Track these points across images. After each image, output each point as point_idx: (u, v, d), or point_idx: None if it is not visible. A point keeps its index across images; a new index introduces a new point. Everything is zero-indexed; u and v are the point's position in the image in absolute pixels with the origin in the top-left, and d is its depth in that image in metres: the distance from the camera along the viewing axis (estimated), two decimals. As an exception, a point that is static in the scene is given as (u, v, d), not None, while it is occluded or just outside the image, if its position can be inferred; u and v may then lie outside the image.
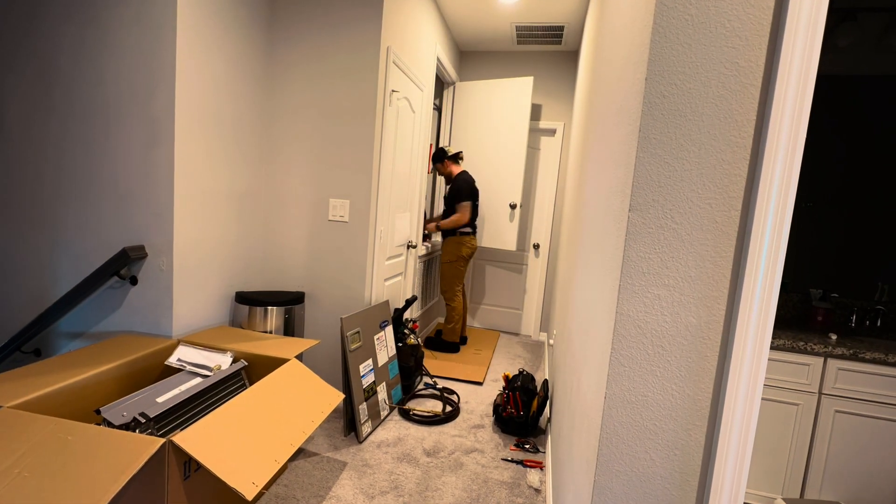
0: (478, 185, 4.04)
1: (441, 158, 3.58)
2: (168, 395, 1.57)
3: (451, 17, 3.51)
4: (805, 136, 0.75)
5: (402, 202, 3.01)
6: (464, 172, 3.56)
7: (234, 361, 1.88)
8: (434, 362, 3.38)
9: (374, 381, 2.39)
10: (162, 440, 1.19)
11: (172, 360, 1.81)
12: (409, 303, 2.96)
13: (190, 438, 1.25)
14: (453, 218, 3.46)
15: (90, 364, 1.64)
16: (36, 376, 1.52)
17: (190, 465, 1.35)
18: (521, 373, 2.61)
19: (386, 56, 2.44)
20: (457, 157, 3.60)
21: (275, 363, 1.87)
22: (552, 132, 4.10)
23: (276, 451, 1.39)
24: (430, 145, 4.00)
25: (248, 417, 1.46)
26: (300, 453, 2.10)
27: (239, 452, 1.31)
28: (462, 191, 3.45)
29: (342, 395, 1.81)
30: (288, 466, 1.99)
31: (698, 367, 0.84)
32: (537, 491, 1.96)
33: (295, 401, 1.66)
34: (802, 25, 0.73)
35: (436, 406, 2.69)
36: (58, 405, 1.48)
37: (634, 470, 0.89)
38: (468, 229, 3.53)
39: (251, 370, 1.92)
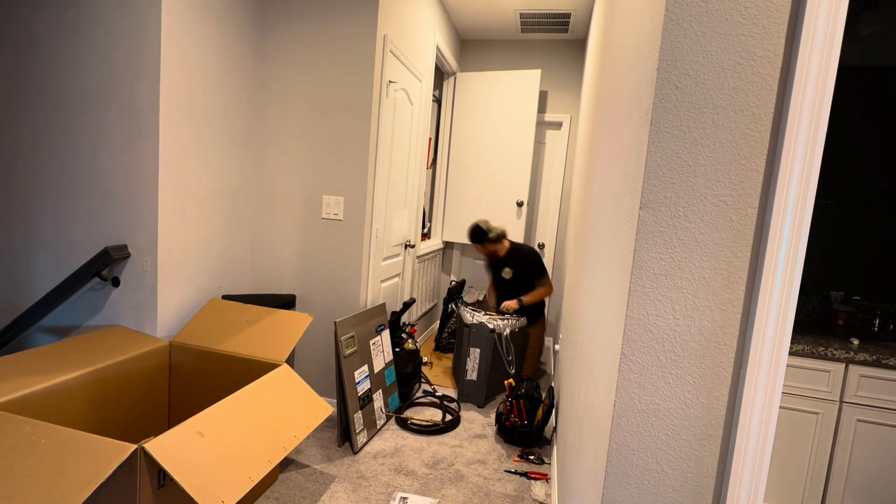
0: (481, 180, 4.05)
1: (481, 239, 3.22)
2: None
3: (451, 4, 3.51)
4: (826, 129, 0.75)
5: (400, 199, 3.01)
6: (521, 245, 3.34)
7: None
8: (433, 369, 3.38)
9: (369, 389, 2.39)
10: (133, 446, 1.19)
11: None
12: (406, 305, 2.96)
13: (163, 446, 1.26)
14: (540, 291, 3.20)
15: (79, 363, 1.66)
16: (22, 376, 1.53)
17: (164, 474, 1.35)
18: (525, 380, 2.61)
19: (383, 45, 2.44)
20: (501, 237, 3.24)
21: (265, 367, 1.88)
22: (558, 125, 4.10)
23: (252, 467, 1.39)
24: (430, 139, 4.00)
25: (229, 426, 1.46)
26: (291, 464, 2.10)
27: (213, 465, 1.32)
28: (540, 264, 3.26)
29: (331, 409, 1.82)
30: (278, 478, 1.99)
31: (712, 374, 0.84)
32: (542, 505, 1.96)
33: (280, 412, 1.66)
34: (823, 12, 0.73)
35: (435, 415, 2.69)
36: (40, 406, 1.50)
37: (645, 482, 0.89)
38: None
39: (238, 374, 1.93)
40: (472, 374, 2.88)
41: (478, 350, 2.88)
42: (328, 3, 2.41)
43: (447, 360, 3.58)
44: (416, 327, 3.11)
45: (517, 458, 2.31)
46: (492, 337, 2.87)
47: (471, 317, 2.98)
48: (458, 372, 3.06)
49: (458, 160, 4.12)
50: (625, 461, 0.90)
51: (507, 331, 2.94)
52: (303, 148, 2.51)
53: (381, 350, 2.57)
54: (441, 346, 3.79)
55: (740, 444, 0.82)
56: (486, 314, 3.04)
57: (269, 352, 1.94)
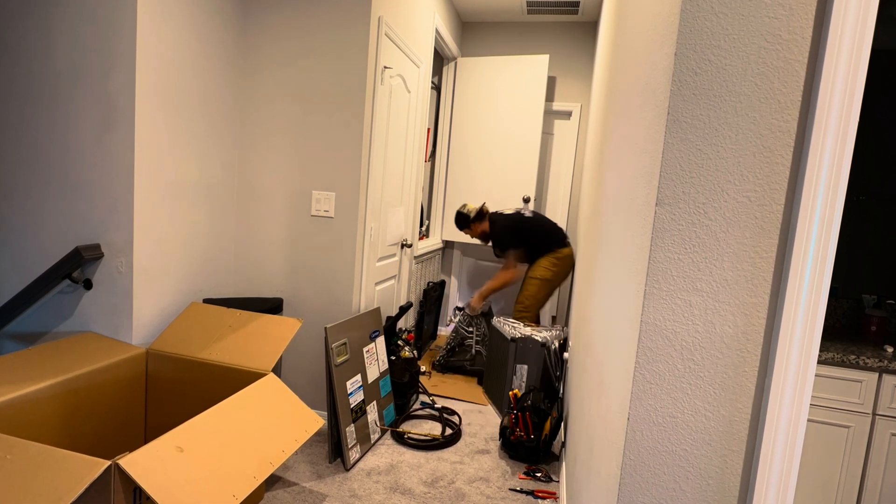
0: (484, 174, 4.05)
1: (467, 224, 3.52)
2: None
3: (451, -17, 3.51)
4: (858, 119, 0.75)
5: (396, 195, 3.01)
6: (497, 219, 3.46)
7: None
8: (432, 379, 3.38)
9: (363, 400, 2.39)
10: (107, 462, 1.19)
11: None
12: (403, 310, 2.96)
13: (139, 462, 1.26)
14: (499, 277, 3.40)
15: (48, 372, 1.66)
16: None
17: (141, 493, 1.35)
18: (531, 390, 2.61)
19: (377, 27, 2.44)
20: (482, 215, 3.50)
21: (250, 376, 1.88)
22: (567, 114, 4.11)
23: (236, 485, 1.39)
24: (428, 130, 4.01)
25: (211, 440, 1.46)
26: (278, 482, 2.10)
27: (194, 482, 1.32)
28: (503, 241, 3.39)
29: (321, 421, 1.82)
30: (264, 497, 1.99)
31: (735, 384, 0.84)
32: (550, 526, 1.96)
33: (266, 425, 1.66)
34: (855, -8, 0.73)
35: (434, 428, 2.69)
36: (5, 418, 1.49)
37: (661, 502, 0.89)
38: (560, 247, 3.37)
39: (221, 384, 1.92)
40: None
41: (525, 367, 2.81)
42: (318, -17, 2.41)
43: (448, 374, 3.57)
44: (413, 334, 3.10)
45: (523, 476, 2.31)
46: (542, 352, 2.80)
47: (512, 329, 2.89)
48: (497, 391, 2.99)
49: (459, 152, 4.12)
50: (640, 478, 0.90)
51: (556, 344, 2.88)
52: (291, 139, 2.51)
53: (376, 358, 2.57)
54: (441, 364, 3.60)
55: (765, 460, 0.82)
56: (527, 325, 2.99)
57: (254, 360, 1.94)
